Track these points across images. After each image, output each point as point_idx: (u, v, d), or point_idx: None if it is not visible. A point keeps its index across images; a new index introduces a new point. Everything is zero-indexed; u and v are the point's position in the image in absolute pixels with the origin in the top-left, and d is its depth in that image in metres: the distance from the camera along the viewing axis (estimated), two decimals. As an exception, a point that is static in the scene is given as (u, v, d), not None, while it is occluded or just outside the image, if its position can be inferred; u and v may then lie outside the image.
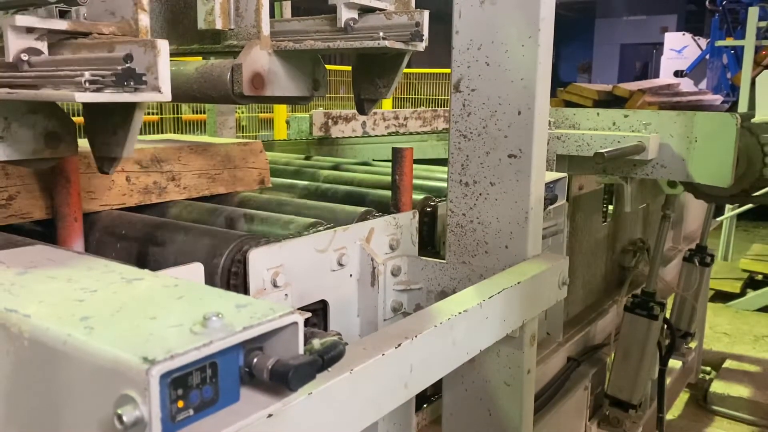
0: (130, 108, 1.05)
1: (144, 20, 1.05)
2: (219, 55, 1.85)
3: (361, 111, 1.81)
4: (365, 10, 1.57)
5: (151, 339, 0.60)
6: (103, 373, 0.59)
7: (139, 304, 0.72)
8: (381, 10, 1.56)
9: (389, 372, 0.94)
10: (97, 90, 0.93)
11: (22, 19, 0.97)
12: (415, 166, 1.62)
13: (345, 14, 1.53)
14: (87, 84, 0.92)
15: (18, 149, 1.16)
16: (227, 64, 1.54)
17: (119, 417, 0.55)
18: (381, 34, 1.48)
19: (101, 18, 1.08)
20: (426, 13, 1.51)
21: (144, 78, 0.96)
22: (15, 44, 0.98)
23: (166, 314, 0.68)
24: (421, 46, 1.52)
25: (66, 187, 1.26)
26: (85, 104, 1.12)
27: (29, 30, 1.00)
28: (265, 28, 1.55)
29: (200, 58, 1.98)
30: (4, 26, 0.97)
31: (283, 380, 0.65)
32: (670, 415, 3.88)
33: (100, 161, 1.13)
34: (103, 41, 1.03)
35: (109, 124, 1.09)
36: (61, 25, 1.02)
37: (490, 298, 1.17)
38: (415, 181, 1.68)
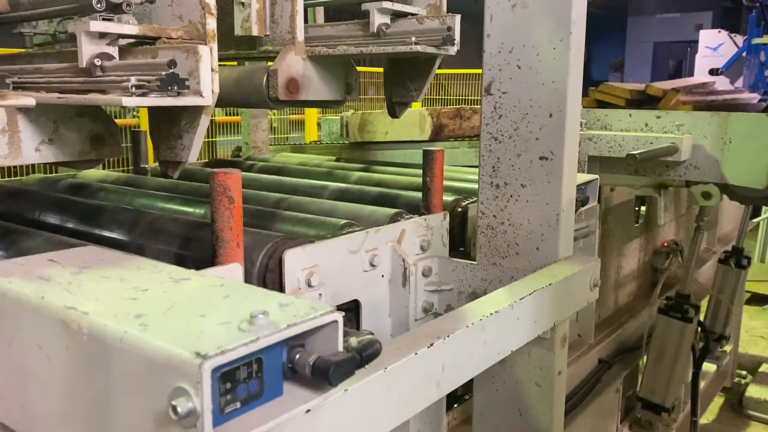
0: (196, 113, 1.08)
1: (211, 24, 1.07)
2: (255, 60, 1.90)
3: (393, 114, 1.84)
4: (397, 15, 1.60)
5: (202, 336, 0.64)
6: (157, 367, 0.63)
7: (188, 302, 0.76)
8: (413, 15, 1.59)
9: (422, 371, 0.96)
10: (143, 95, 0.97)
11: (97, 25, 1.00)
12: (445, 167, 1.64)
13: (378, 19, 1.56)
14: (133, 89, 0.96)
15: (65, 151, 1.21)
16: (263, 69, 1.59)
17: (174, 408, 0.59)
18: (413, 38, 1.51)
19: (168, 22, 1.10)
20: (457, 18, 1.53)
21: (186, 83, 1.00)
22: (88, 50, 1.02)
23: (214, 312, 0.72)
24: (453, 50, 1.54)
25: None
26: (150, 109, 1.16)
27: (102, 35, 1.03)
28: (300, 34, 1.59)
29: (236, 63, 2.03)
30: (78, 32, 1.01)
31: (324, 376, 0.68)
32: (704, 419, 3.81)
33: (165, 165, 1.16)
34: (158, 47, 1.06)
35: (174, 129, 1.12)
36: (132, 29, 1.05)
37: (521, 299, 1.18)
38: (446, 183, 1.69)
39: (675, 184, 2.12)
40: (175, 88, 0.98)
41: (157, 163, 1.21)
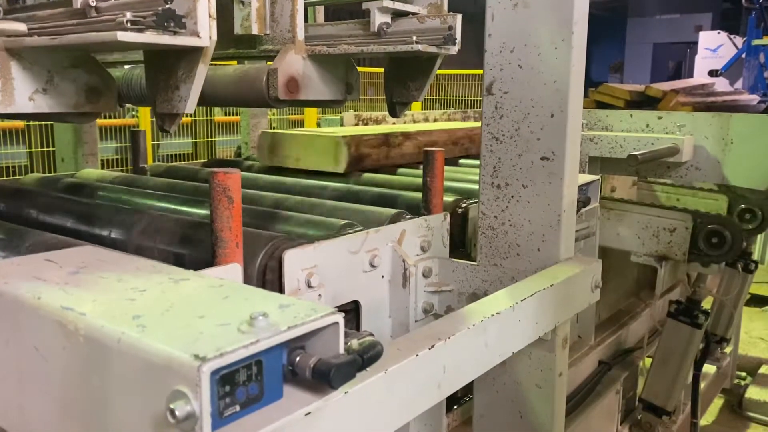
0: (194, 60, 1.05)
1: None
2: (255, 59, 1.89)
3: (393, 114, 1.83)
4: (398, 14, 1.59)
5: (201, 337, 0.63)
6: (155, 370, 0.62)
7: (187, 303, 0.75)
8: (414, 14, 1.58)
9: (423, 372, 0.95)
10: (139, 31, 0.94)
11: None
12: (445, 167, 1.63)
13: (378, 18, 1.56)
14: (128, 24, 0.93)
15: (60, 102, 1.18)
16: (263, 69, 1.58)
17: (172, 411, 0.58)
18: (414, 38, 1.50)
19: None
20: (459, 17, 1.53)
21: (183, 20, 0.98)
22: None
23: (213, 313, 0.71)
24: (454, 49, 1.53)
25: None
26: (146, 59, 1.12)
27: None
28: (300, 33, 1.58)
29: (236, 62, 2.02)
30: None
31: (325, 378, 0.67)
32: (704, 421, 3.81)
33: (162, 119, 1.13)
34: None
35: (171, 79, 1.09)
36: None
37: (522, 300, 1.17)
38: (446, 183, 1.69)
39: (677, 258, 2.09)
40: (172, 24, 0.95)
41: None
